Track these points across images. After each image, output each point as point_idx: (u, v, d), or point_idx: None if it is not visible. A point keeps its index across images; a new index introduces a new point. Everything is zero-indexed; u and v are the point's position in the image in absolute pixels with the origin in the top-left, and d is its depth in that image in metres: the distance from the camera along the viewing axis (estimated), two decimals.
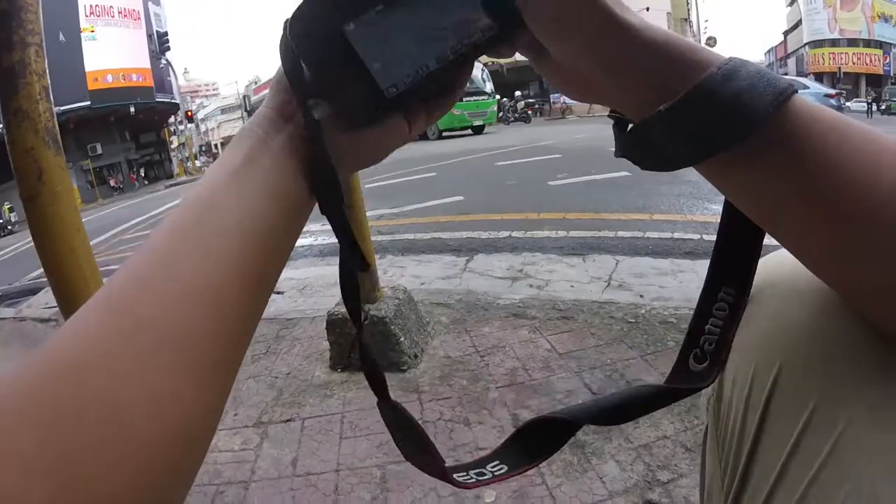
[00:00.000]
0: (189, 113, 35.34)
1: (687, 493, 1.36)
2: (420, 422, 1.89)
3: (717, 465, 0.44)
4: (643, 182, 5.59)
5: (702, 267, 3.01)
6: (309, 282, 3.51)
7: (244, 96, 48.80)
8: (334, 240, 0.44)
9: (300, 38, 0.36)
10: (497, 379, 1.94)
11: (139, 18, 29.06)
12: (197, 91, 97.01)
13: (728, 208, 0.38)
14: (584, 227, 4.18)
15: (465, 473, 0.44)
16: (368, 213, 5.49)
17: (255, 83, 60.32)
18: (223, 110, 70.34)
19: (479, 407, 1.78)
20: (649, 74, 0.33)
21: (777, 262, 0.44)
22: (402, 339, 2.10)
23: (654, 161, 0.35)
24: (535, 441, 0.44)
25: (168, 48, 31.01)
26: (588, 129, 14.42)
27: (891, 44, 43.11)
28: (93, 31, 26.21)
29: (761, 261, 0.40)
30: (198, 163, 38.41)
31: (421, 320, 2.35)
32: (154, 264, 0.30)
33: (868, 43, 43.38)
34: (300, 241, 4.73)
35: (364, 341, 0.46)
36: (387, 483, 1.47)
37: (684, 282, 2.82)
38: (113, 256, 6.33)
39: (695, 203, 4.78)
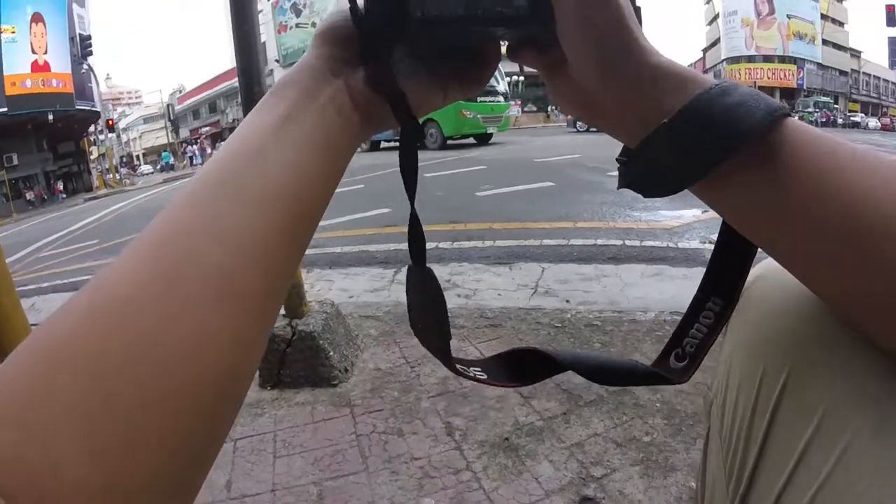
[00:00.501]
0: (110, 122, 33.19)
1: (620, 487, 1.41)
2: (353, 436, 1.86)
3: (722, 468, 0.43)
4: (566, 191, 5.76)
5: (625, 271, 3.17)
6: None
7: (168, 105, 46.97)
8: None
9: None
10: (428, 389, 1.94)
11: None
12: (119, 99, 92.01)
13: (725, 226, 0.41)
14: (510, 237, 4.26)
15: (464, 367, 0.45)
16: None
17: (180, 92, 58.11)
18: (146, 120, 66.98)
19: (412, 417, 1.77)
20: (655, 92, 0.34)
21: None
22: (331, 353, 2.07)
23: (656, 182, 0.36)
24: (518, 365, 0.46)
25: (91, 52, 29.09)
26: (511, 141, 14.69)
27: (804, 59, 46.55)
28: (13, 33, 24.53)
29: (769, 263, 0.42)
30: (118, 175, 35.84)
31: (350, 334, 2.32)
32: (196, 211, 0.31)
33: (783, 59, 46.78)
34: None
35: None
36: (324, 500, 1.44)
37: (608, 286, 2.92)
38: (29, 276, 5.93)
39: (617, 210, 4.96)
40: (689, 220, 4.57)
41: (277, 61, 44.09)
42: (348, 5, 0.37)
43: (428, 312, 0.45)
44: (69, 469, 0.22)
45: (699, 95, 0.33)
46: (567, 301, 2.67)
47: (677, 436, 1.58)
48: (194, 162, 35.66)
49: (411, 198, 0.42)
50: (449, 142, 14.90)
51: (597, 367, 0.45)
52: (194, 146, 38.27)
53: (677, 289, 2.87)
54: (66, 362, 0.24)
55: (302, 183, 0.34)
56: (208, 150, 36.93)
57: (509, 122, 18.12)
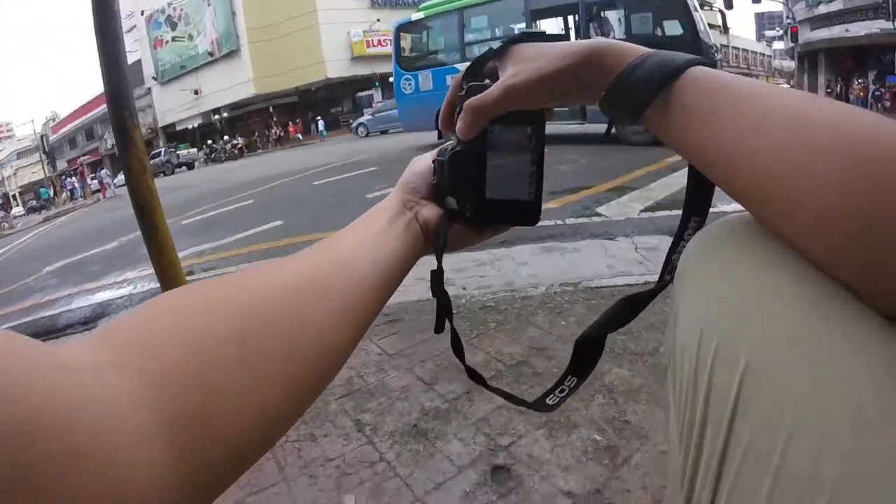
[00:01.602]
0: None
1: (528, 451, 1.50)
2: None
3: (677, 432, 0.43)
4: None
5: (517, 252, 3.29)
6: None
7: (42, 136, 43.29)
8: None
9: (454, 173, 0.55)
10: (334, 391, 1.97)
11: None
12: None
13: None
14: None
15: (552, 395, 0.58)
16: (188, 251, 5.24)
17: (54, 120, 53.51)
18: (19, 154, 60.48)
19: (322, 421, 1.79)
20: (603, 79, 0.47)
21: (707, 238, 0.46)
22: None
23: (616, 119, 0.49)
24: (584, 355, 0.58)
25: None
26: (399, 138, 14.68)
27: None
28: None
29: (699, 235, 0.47)
30: None
31: None
32: (321, 280, 0.43)
33: None
34: (117, 292, 4.37)
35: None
36: None
37: (502, 269, 3.03)
38: None
39: None
40: (576, 196, 4.81)
41: (155, 78, 41.60)
42: (432, 162, 0.59)
43: (505, 396, 0.62)
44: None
45: (620, 72, 0.45)
46: (464, 288, 2.76)
47: (574, 395, 1.69)
48: (75, 195, 32.94)
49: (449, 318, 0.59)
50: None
51: (615, 316, 0.56)
52: (73, 178, 35.45)
53: (568, 262, 3.03)
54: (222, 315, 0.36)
55: (383, 276, 0.49)
56: (88, 181, 34.20)
57: None
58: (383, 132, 23.95)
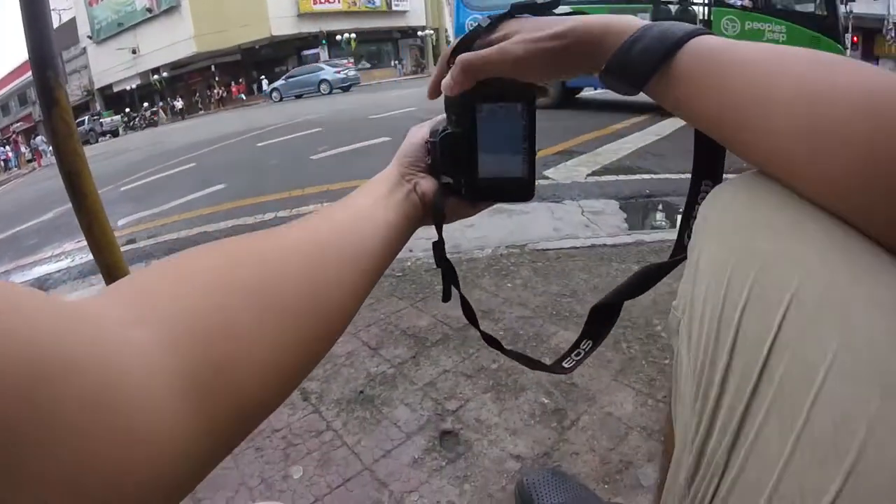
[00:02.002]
0: None
1: (476, 415, 1.50)
2: None
3: (692, 389, 0.41)
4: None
5: None
6: None
7: None
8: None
9: (445, 154, 0.57)
10: None
11: None
12: None
13: None
14: None
15: (567, 359, 0.60)
16: (128, 219, 5.05)
17: None
18: None
19: None
20: (603, 48, 0.47)
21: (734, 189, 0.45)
22: None
23: (617, 91, 0.49)
24: (600, 320, 0.61)
25: None
26: (346, 102, 14.40)
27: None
28: None
29: (726, 183, 0.47)
30: None
31: None
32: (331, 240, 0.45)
33: None
34: (55, 265, 4.17)
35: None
36: (196, 495, 1.40)
37: (448, 231, 2.91)
38: None
39: None
40: None
41: (90, 37, 39.22)
42: (425, 143, 0.59)
43: (521, 359, 0.63)
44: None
45: (621, 46, 0.45)
46: (410, 251, 2.72)
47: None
48: (9, 165, 31.05)
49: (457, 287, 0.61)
50: None
51: (633, 285, 0.58)
52: (6, 147, 33.31)
53: (514, 224, 3.04)
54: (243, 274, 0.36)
55: (388, 243, 0.50)
56: (23, 150, 32.30)
57: None
58: (297, 97, 23.72)
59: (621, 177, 3.91)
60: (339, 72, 24.15)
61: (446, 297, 0.61)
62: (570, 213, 3.17)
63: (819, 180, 0.36)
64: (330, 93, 22.69)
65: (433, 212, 0.57)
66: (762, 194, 0.40)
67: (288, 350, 0.35)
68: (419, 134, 0.62)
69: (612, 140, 5.36)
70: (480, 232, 2.94)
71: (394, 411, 1.56)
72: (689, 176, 0.47)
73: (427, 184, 0.58)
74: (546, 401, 1.52)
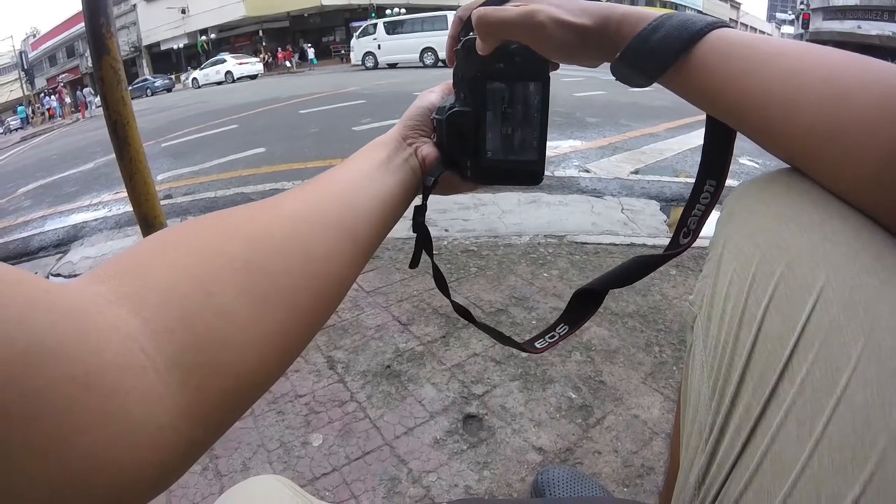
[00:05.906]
0: None
1: (502, 402, 1.48)
2: None
3: (707, 385, 0.41)
4: None
5: (503, 199, 3.24)
6: (106, 259, 3.19)
7: (21, 52, 41.51)
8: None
9: (452, 133, 0.54)
10: None
11: None
12: None
13: (708, 120, 0.49)
14: None
15: (541, 339, 0.59)
16: (167, 174, 5.11)
17: (34, 36, 51.23)
18: None
19: None
20: (620, 35, 0.46)
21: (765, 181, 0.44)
22: None
23: (630, 83, 0.48)
24: (581, 306, 0.60)
25: None
26: (391, 76, 14.33)
27: (685, 6, 48.43)
28: None
29: (750, 181, 0.45)
30: None
31: None
32: (329, 205, 0.44)
33: (664, 4, 48.59)
34: (92, 214, 4.24)
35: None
36: (214, 451, 1.41)
37: (486, 214, 2.97)
38: None
39: None
40: (566, 150, 4.73)
41: None
42: (431, 119, 0.57)
43: (491, 333, 0.62)
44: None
45: (639, 34, 0.44)
46: (446, 230, 2.70)
47: (552, 349, 1.67)
48: (56, 114, 31.63)
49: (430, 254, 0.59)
50: None
51: (621, 274, 0.57)
52: (52, 97, 33.93)
53: (552, 214, 2.99)
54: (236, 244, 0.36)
55: (385, 211, 0.49)
56: (67, 101, 32.90)
57: None
58: (391, 65, 21.01)
59: (664, 178, 3.81)
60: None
61: (414, 263, 0.59)
62: (609, 209, 3.09)
63: (847, 180, 0.35)
64: (375, 67, 22.21)
65: (424, 179, 0.55)
66: (790, 190, 0.39)
67: (278, 326, 0.34)
68: (428, 98, 0.60)
69: (658, 139, 5.25)
70: (518, 218, 2.89)
71: (419, 389, 1.55)
72: (732, 185, 0.44)
73: (428, 149, 0.56)
74: (573, 396, 1.49)
